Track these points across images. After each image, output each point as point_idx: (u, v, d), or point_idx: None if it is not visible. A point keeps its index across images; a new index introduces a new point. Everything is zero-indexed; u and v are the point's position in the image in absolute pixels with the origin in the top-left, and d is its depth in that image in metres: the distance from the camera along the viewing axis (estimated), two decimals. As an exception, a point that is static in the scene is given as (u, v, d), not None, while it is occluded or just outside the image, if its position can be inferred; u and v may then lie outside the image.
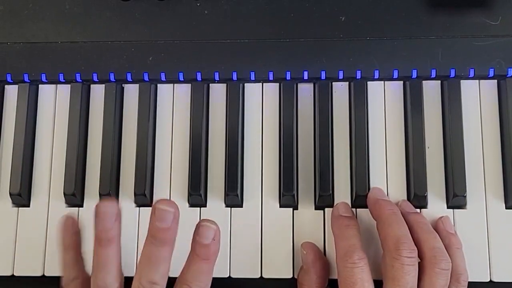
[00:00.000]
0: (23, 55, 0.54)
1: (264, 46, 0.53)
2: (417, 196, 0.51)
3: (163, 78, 0.53)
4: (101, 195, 0.52)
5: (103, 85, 0.54)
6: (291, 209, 0.52)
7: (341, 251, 0.47)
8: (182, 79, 0.53)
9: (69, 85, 0.54)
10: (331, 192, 0.51)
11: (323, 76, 0.53)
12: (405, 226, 0.47)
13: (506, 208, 0.51)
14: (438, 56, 0.52)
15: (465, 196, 0.51)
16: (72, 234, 0.49)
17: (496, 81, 0.53)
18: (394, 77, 0.53)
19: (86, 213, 0.52)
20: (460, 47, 0.52)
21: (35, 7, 0.55)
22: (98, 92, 0.55)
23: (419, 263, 0.46)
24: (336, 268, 0.47)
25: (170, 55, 0.53)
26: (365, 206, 0.51)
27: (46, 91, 0.55)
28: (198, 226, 0.46)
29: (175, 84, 0.55)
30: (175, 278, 0.46)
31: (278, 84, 0.54)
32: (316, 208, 0.52)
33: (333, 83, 0.54)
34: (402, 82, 0.54)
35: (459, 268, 0.48)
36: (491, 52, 0.52)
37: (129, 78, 0.53)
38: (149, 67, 0.53)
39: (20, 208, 0.53)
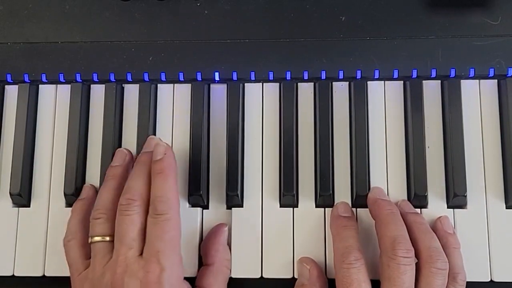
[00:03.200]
0: (23, 55, 0.54)
1: (264, 46, 0.53)
2: (417, 196, 0.51)
3: (163, 78, 0.53)
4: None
5: (103, 85, 0.54)
6: (291, 209, 0.52)
7: (338, 252, 0.47)
8: (182, 79, 0.53)
9: (69, 85, 0.54)
10: (331, 192, 0.51)
11: (323, 76, 0.53)
12: (403, 226, 0.47)
13: (506, 208, 0.51)
14: (438, 56, 0.52)
15: (465, 196, 0.51)
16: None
17: (496, 81, 0.53)
18: (394, 77, 0.53)
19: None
20: (460, 47, 0.52)
21: (35, 7, 0.55)
22: (98, 92, 0.55)
23: (416, 263, 0.46)
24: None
25: (170, 55, 0.53)
26: (365, 206, 0.51)
27: (46, 91, 0.55)
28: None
29: (175, 84, 0.55)
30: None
31: (278, 84, 0.54)
32: (316, 208, 0.52)
33: (333, 83, 0.54)
34: (402, 82, 0.54)
35: (456, 268, 0.48)
36: (491, 52, 0.52)
37: (129, 78, 0.53)
38: (149, 67, 0.53)
39: (20, 208, 0.53)
